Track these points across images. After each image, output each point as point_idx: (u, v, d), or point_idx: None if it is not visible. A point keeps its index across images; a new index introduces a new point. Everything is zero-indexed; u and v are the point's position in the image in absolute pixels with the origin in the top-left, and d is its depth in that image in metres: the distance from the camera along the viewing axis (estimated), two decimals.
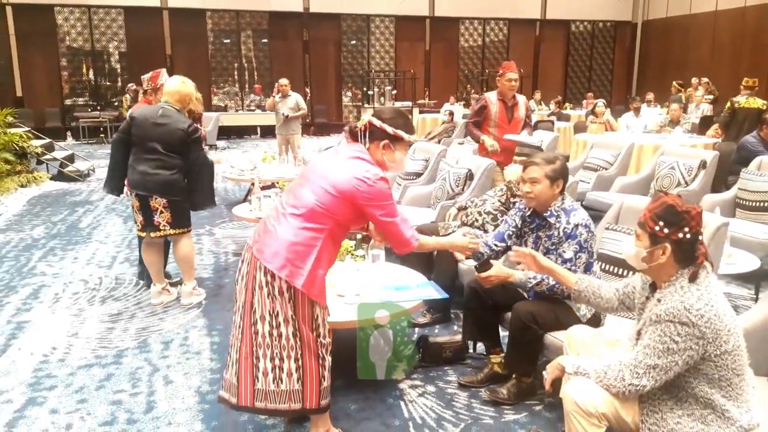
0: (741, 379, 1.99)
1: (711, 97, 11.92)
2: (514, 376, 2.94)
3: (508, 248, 2.99)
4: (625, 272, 2.96)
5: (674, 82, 12.83)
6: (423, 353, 3.32)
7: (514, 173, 4.04)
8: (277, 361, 2.39)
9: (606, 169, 6.59)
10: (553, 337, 2.76)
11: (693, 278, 1.98)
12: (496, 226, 3.90)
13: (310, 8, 16.14)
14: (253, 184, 7.54)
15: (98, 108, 15.11)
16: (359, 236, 3.58)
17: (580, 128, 9.63)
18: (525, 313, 2.73)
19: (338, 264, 3.39)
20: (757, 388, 2.09)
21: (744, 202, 4.99)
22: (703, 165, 5.58)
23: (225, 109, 15.92)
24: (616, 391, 2.02)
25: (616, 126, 9.35)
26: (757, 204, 4.87)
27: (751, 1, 15.00)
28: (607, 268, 3.07)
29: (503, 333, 3.22)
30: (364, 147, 2.51)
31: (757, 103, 7.08)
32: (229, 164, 8.14)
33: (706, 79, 11.59)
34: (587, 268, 2.79)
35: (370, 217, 2.47)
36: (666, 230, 1.99)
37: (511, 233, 3.03)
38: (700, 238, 2.01)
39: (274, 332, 2.37)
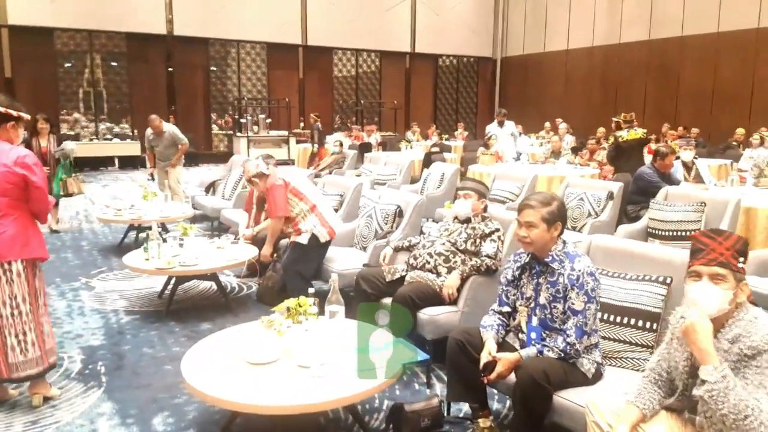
0: None
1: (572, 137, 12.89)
2: None
3: (514, 308, 2.76)
4: (619, 318, 2.77)
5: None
6: (398, 425, 2.88)
7: (460, 209, 3.78)
8: (21, 336, 3.00)
9: (512, 200, 6.61)
10: (561, 398, 2.47)
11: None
12: (449, 269, 3.60)
13: (174, 31, 15.12)
14: (137, 226, 6.61)
15: None
16: (312, 290, 3.06)
17: (468, 160, 9.79)
18: (537, 371, 2.41)
19: (293, 327, 2.86)
20: None
21: (657, 232, 5.16)
22: (610, 196, 5.75)
23: (77, 137, 14.25)
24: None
25: (504, 157, 9.63)
26: (670, 233, 5.06)
27: (598, 42, 16.54)
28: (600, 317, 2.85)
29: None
30: None
31: (638, 133, 7.58)
32: (104, 203, 7.13)
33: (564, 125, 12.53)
34: (595, 318, 2.56)
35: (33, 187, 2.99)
36: (744, 265, 1.93)
37: (509, 289, 2.80)
38: None
39: (15, 311, 2.97)
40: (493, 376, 2.54)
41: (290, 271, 4.35)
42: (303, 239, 4.40)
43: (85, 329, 4.23)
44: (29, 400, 3.15)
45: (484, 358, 2.59)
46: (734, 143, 11.75)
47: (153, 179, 8.23)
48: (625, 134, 7.59)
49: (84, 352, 3.84)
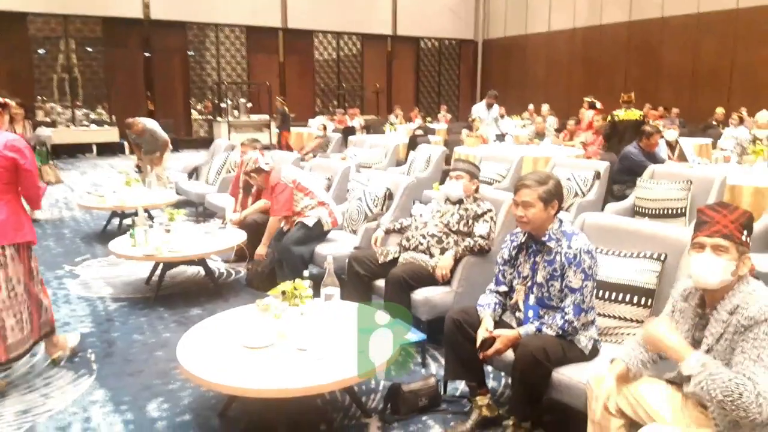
0: None
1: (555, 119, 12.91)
2: (511, 422, 2.61)
3: (511, 287, 2.76)
4: (614, 295, 2.78)
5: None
6: (395, 405, 2.88)
7: (452, 190, 3.77)
8: (18, 316, 3.09)
9: (499, 182, 6.62)
10: (560, 375, 2.48)
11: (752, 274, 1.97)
12: (442, 249, 3.59)
13: (151, 15, 14.81)
14: (120, 212, 6.51)
15: None
16: (306, 273, 3.02)
17: (453, 142, 9.76)
18: (537, 349, 2.42)
19: (289, 310, 2.83)
20: None
21: (644, 210, 5.20)
22: (597, 176, 5.78)
23: (53, 124, 13.93)
24: (744, 416, 1.75)
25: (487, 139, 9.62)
26: (657, 211, 5.10)
27: (579, 23, 16.55)
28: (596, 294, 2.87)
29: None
30: None
31: (635, 114, 7.60)
32: (85, 190, 6.98)
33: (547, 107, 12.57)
34: (592, 296, 2.58)
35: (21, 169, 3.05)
36: (748, 239, 1.93)
37: (505, 269, 2.80)
38: None
39: (11, 293, 3.05)
40: (490, 351, 2.54)
41: (290, 251, 4.32)
42: (309, 222, 4.45)
43: (72, 317, 4.16)
44: (19, 390, 3.11)
45: (481, 334, 2.59)
46: (714, 122, 11.89)
47: (140, 171, 8.11)
48: (621, 113, 7.61)
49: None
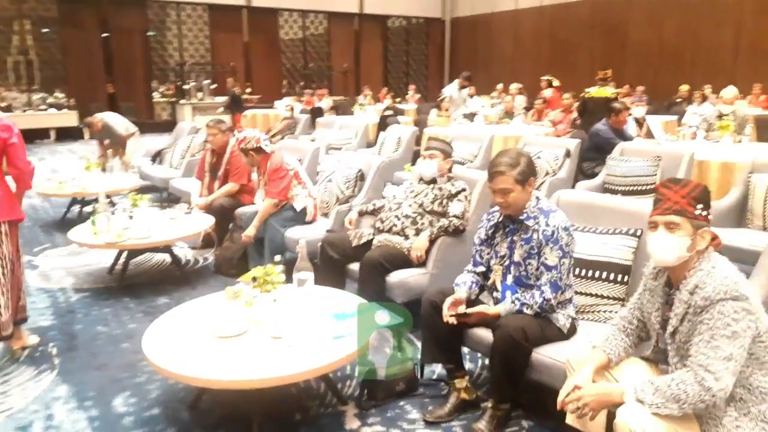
0: None
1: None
2: (490, 404, 2.57)
3: (488, 268, 2.72)
4: (590, 272, 2.76)
5: None
6: (372, 391, 2.81)
7: (426, 169, 3.69)
8: (7, 294, 3.14)
9: (471, 161, 6.57)
10: (539, 355, 2.45)
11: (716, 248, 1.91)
12: (417, 230, 3.53)
13: None
14: (81, 199, 6.29)
15: None
16: (278, 258, 2.92)
17: (423, 122, 9.66)
18: (515, 329, 2.38)
19: (261, 297, 2.73)
20: None
21: (614, 187, 5.21)
22: (567, 153, 5.77)
23: (9, 109, 13.37)
24: (705, 406, 1.74)
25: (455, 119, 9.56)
26: (627, 188, 5.12)
27: (546, 1, 16.52)
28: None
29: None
30: None
31: (607, 92, 7.60)
32: (43, 177, 6.71)
33: (519, 85, 12.53)
34: (569, 273, 2.54)
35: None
36: (705, 212, 1.87)
37: (483, 249, 2.74)
38: None
39: (5, 271, 3.09)
40: (462, 320, 2.53)
41: (277, 230, 4.29)
42: (297, 206, 4.46)
43: (31, 309, 3.94)
44: None
45: (448, 302, 2.57)
46: (678, 99, 12.03)
47: (104, 170, 7.85)
48: (593, 91, 7.59)
49: (32, 333, 3.60)
